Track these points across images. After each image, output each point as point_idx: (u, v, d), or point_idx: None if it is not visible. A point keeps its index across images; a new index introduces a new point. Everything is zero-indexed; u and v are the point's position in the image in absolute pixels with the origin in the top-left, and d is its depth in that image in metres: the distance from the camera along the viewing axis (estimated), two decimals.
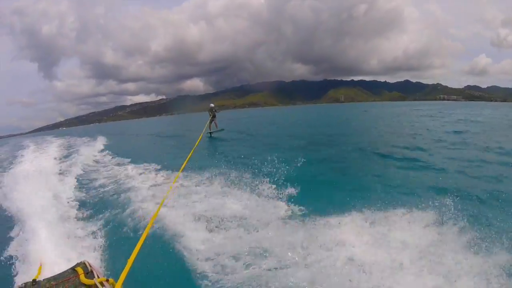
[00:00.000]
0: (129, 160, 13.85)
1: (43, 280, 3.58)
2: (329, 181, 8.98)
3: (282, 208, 6.26)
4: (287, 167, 7.89)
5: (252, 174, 8.06)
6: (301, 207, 6.20)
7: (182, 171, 8.22)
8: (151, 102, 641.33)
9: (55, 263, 4.52)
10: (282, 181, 7.41)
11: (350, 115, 47.62)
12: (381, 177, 8.96)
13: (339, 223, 5.19)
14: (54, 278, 3.61)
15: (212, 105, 21.36)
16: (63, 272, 3.69)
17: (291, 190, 6.97)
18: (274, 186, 7.27)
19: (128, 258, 2.93)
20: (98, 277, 3.49)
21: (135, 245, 3.49)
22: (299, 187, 7.11)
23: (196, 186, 8.26)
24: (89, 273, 3.58)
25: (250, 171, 8.28)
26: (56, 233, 5.78)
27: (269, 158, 8.23)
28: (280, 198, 6.72)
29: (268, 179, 7.51)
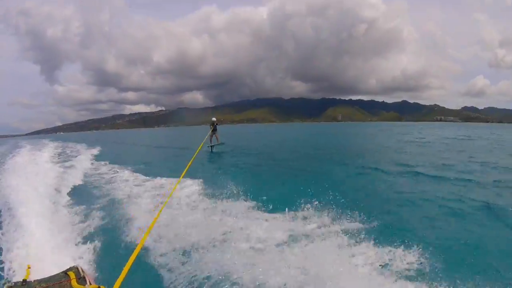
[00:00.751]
0: (126, 167, 13.91)
1: (34, 281, 3.51)
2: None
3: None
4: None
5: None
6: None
7: (180, 181, 8.16)
8: (150, 112, 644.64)
9: (45, 265, 4.35)
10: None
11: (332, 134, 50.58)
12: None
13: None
14: (45, 280, 3.54)
15: (214, 119, 21.33)
16: (55, 275, 3.63)
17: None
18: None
19: (123, 266, 2.80)
20: (90, 283, 3.43)
21: (129, 254, 3.26)
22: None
23: (194, 197, 8.21)
24: (81, 279, 3.51)
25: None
26: (49, 235, 5.67)
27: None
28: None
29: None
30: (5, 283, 3.61)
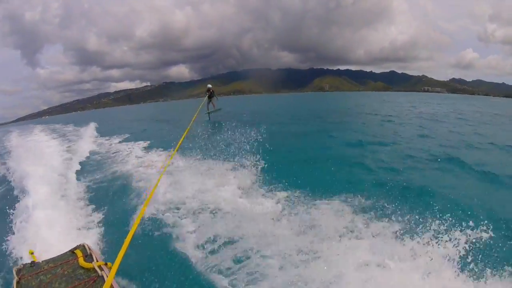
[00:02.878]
0: (123, 141, 14.28)
1: (42, 262, 3.65)
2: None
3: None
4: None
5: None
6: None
7: (177, 151, 8.06)
8: (136, 89, 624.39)
9: (53, 245, 4.50)
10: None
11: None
12: None
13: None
14: (53, 260, 3.66)
15: (209, 86, 21.07)
16: (62, 254, 3.77)
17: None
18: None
19: (124, 240, 2.80)
20: (97, 260, 3.51)
21: (130, 228, 3.47)
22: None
23: (189, 168, 8.45)
24: (88, 256, 3.62)
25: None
26: (56, 214, 5.81)
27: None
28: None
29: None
30: (14, 266, 3.69)
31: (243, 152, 7.80)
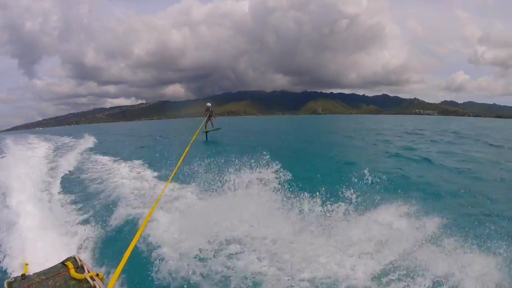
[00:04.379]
0: (120, 158, 13.74)
1: (33, 274, 3.63)
2: None
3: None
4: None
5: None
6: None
7: (177, 170, 8.05)
8: (131, 106, 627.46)
9: (44, 257, 4.44)
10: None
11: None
12: None
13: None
14: (44, 272, 3.63)
15: (208, 104, 21.01)
16: (53, 266, 3.75)
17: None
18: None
19: (119, 252, 2.78)
20: (89, 271, 3.52)
21: (126, 242, 3.41)
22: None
23: (189, 188, 7.94)
24: (79, 268, 3.62)
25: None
26: (46, 227, 5.74)
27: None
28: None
29: None
30: (5, 279, 3.63)
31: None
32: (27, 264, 4.16)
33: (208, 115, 20.75)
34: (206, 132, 20.89)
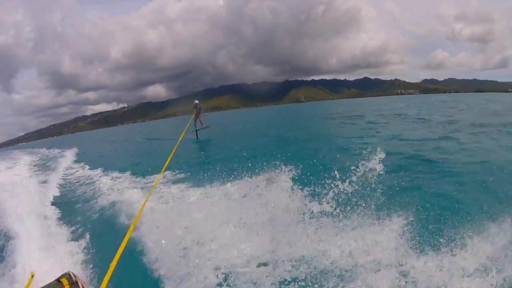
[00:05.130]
0: (105, 167, 13.43)
1: None
2: None
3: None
4: None
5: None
6: None
7: (164, 172, 8.12)
8: (113, 111, 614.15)
9: (38, 275, 4.30)
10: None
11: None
12: None
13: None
14: None
15: (196, 101, 20.56)
16: (48, 284, 3.72)
17: None
18: None
19: (110, 263, 2.84)
20: (83, 287, 3.56)
21: (116, 251, 3.42)
22: None
23: (177, 188, 8.11)
24: (74, 284, 3.59)
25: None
26: (38, 244, 5.69)
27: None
28: None
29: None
30: None
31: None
32: (33, 275, 4.12)
33: (195, 112, 20.13)
34: (196, 131, 20.35)
